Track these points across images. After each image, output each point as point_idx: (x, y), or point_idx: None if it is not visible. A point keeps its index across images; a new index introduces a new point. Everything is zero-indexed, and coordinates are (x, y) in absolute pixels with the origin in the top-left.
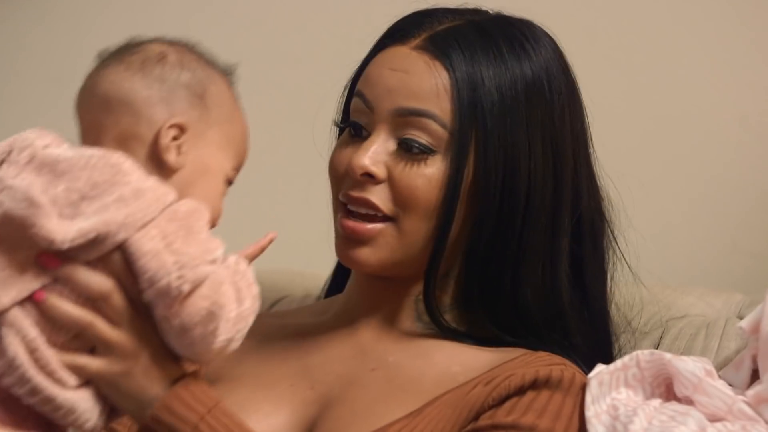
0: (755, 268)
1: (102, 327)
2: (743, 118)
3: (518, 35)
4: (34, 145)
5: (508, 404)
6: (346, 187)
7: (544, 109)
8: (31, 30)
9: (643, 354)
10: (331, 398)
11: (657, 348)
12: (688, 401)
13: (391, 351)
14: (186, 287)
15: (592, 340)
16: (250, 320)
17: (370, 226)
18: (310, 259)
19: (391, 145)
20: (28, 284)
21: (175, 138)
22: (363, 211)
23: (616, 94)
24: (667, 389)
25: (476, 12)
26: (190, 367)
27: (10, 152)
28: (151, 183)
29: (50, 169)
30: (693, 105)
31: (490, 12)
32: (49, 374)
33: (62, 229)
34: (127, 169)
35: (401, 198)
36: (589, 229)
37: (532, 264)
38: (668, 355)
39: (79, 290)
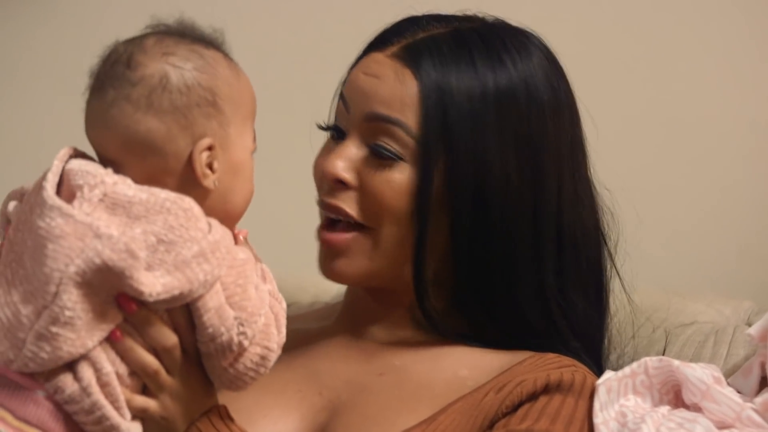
0: (765, 275)
1: (164, 375)
2: (753, 124)
3: (498, 45)
4: (105, 183)
5: (521, 411)
6: (322, 192)
7: (519, 120)
8: (36, 29)
9: (651, 361)
10: (340, 404)
11: (665, 355)
12: (697, 408)
13: (397, 355)
14: (246, 343)
15: (587, 347)
16: (285, 333)
17: (344, 235)
18: (317, 264)
19: (363, 151)
20: (109, 325)
21: (207, 158)
22: (335, 217)
23: (625, 102)
24: (675, 396)
25: (468, 20)
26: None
27: (80, 187)
28: (220, 232)
29: (124, 210)
30: (702, 111)
31: (487, 19)
32: (117, 407)
33: (150, 281)
34: (198, 215)
35: (370, 205)
36: (570, 244)
37: (519, 271)
38: (676, 362)
39: (147, 338)
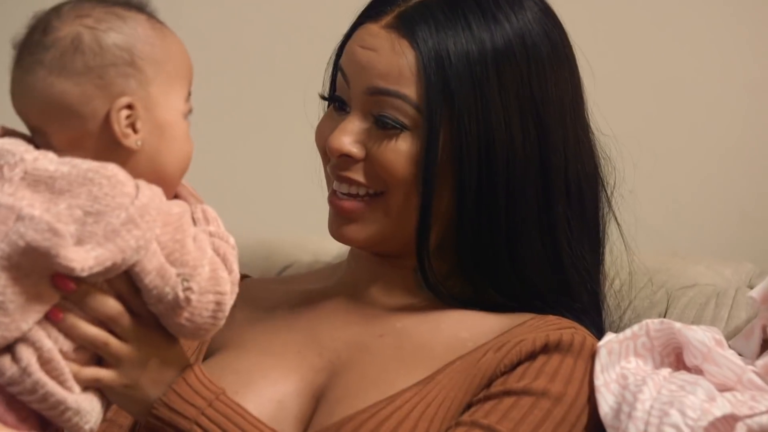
0: (766, 237)
1: (115, 344)
2: (752, 85)
3: (491, 4)
4: (25, 160)
5: (519, 370)
6: (332, 166)
7: (520, 78)
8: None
9: (652, 323)
10: (340, 365)
11: (666, 317)
12: (698, 371)
13: (398, 317)
14: (193, 296)
15: (593, 305)
16: (237, 270)
17: (357, 203)
18: (318, 223)
19: (367, 123)
20: (44, 306)
21: (127, 118)
22: (346, 189)
23: (624, 62)
24: (676, 359)
25: None
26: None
27: (1, 167)
28: (148, 193)
29: (47, 186)
30: (701, 73)
31: None
32: (62, 382)
33: (80, 257)
34: (123, 180)
35: (379, 174)
36: (577, 193)
37: (527, 233)
38: (678, 325)
39: (90, 312)
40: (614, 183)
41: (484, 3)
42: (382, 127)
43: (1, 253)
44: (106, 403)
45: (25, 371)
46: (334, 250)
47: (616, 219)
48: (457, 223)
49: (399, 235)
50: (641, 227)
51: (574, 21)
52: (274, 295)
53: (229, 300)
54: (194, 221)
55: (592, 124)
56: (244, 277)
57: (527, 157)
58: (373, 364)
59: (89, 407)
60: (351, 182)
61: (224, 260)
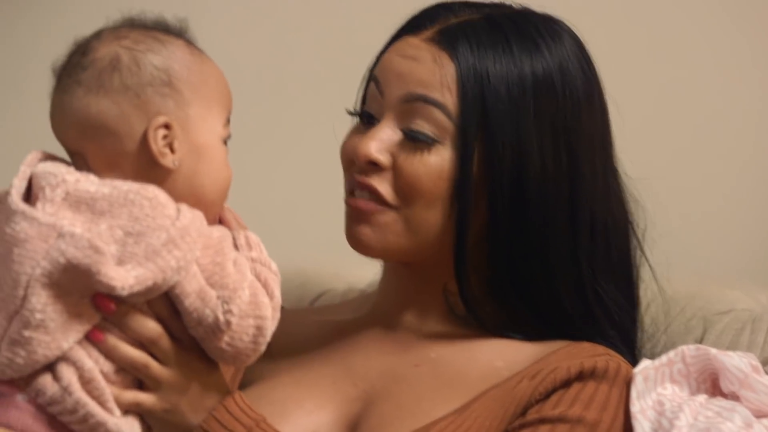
0: None
1: (155, 367)
2: None
3: (532, 31)
4: (66, 181)
5: (554, 397)
6: (354, 171)
7: (556, 107)
8: (43, 30)
9: (688, 349)
10: (375, 395)
11: (701, 343)
12: (734, 397)
13: (433, 347)
14: (233, 319)
15: (623, 337)
16: (279, 296)
17: (373, 204)
18: (352, 251)
19: (398, 134)
20: (85, 326)
21: (164, 138)
22: (367, 196)
23: (650, 86)
24: (712, 385)
25: (497, 6)
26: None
27: (43, 188)
28: (189, 216)
29: (88, 206)
30: (730, 95)
31: (515, 6)
32: (102, 403)
33: (121, 275)
34: (164, 202)
35: (403, 186)
36: (602, 230)
37: (557, 259)
38: (714, 351)
39: (130, 333)
40: (645, 225)
41: (525, 29)
42: (412, 140)
43: (42, 271)
44: (146, 429)
45: (66, 390)
46: (367, 278)
47: (648, 263)
48: (490, 243)
49: (418, 250)
50: (676, 253)
51: (602, 62)
52: (307, 326)
53: (270, 325)
54: (236, 247)
55: (621, 167)
56: None
57: (558, 185)
58: (409, 394)
59: (129, 430)
60: (372, 190)
61: (265, 286)
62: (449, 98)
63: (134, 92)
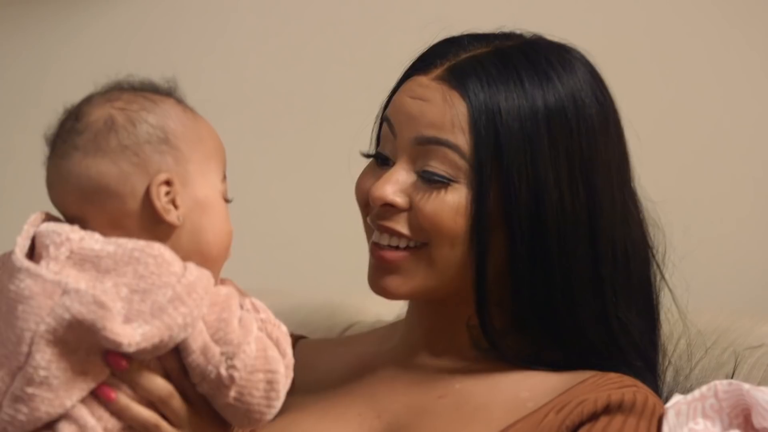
0: None
1: (166, 429)
2: None
3: (542, 62)
4: (71, 239)
5: (582, 431)
6: (374, 215)
7: (570, 137)
8: (63, 46)
9: (721, 384)
10: (400, 427)
11: (732, 377)
12: None
13: (457, 378)
14: (237, 374)
15: (649, 366)
16: (291, 355)
17: (399, 253)
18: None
19: (413, 176)
20: (90, 383)
21: (167, 194)
22: (387, 240)
23: (669, 108)
24: (745, 420)
25: (507, 37)
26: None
27: (47, 246)
28: (196, 273)
29: (92, 265)
30: (753, 117)
31: (525, 36)
32: None
33: (128, 332)
34: (169, 259)
35: (424, 225)
36: (623, 259)
37: (580, 291)
38: (747, 386)
39: (140, 392)
40: (664, 250)
41: (535, 61)
42: (428, 181)
43: (46, 327)
44: None
45: None
46: (395, 310)
47: (668, 286)
48: (512, 277)
49: (443, 288)
50: (707, 286)
51: (619, 86)
52: (332, 357)
53: (283, 381)
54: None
55: (639, 191)
56: (300, 338)
57: (576, 217)
58: (434, 427)
59: None
60: (393, 233)
61: (277, 344)
62: (462, 138)
63: (132, 151)
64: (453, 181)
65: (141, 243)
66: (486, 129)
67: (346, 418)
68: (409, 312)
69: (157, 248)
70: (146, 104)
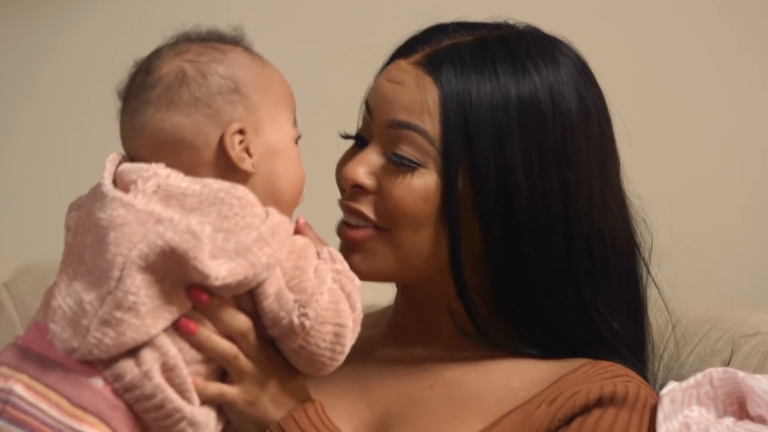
0: None
1: (243, 360)
2: None
3: (521, 53)
4: (158, 174)
5: (574, 425)
6: (344, 196)
7: (544, 130)
8: (61, 34)
9: (716, 372)
10: (392, 417)
11: (728, 365)
12: (761, 420)
13: (447, 366)
14: (308, 323)
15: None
16: (360, 309)
17: (362, 232)
18: None
19: (383, 159)
20: (174, 314)
21: (240, 143)
22: (355, 221)
23: (660, 105)
24: (740, 408)
25: (496, 27)
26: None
27: (134, 181)
28: (278, 217)
29: (178, 201)
30: (742, 113)
31: (518, 27)
32: (182, 392)
33: (215, 266)
34: (253, 201)
35: (388, 208)
36: (601, 255)
37: (555, 281)
38: (742, 373)
39: (220, 325)
40: (650, 247)
41: (515, 52)
42: (396, 164)
43: (138, 253)
44: (222, 422)
45: (146, 375)
46: (389, 297)
47: (654, 282)
48: (488, 265)
49: (412, 273)
50: (703, 275)
51: (610, 83)
52: None
53: (350, 335)
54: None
55: (628, 188)
56: None
57: (549, 208)
58: (426, 416)
59: (204, 421)
60: (359, 215)
61: (349, 297)
62: (430, 123)
63: (204, 103)
64: (420, 165)
65: (226, 184)
66: (456, 116)
67: (339, 408)
68: (395, 298)
69: (242, 190)
70: (215, 55)
